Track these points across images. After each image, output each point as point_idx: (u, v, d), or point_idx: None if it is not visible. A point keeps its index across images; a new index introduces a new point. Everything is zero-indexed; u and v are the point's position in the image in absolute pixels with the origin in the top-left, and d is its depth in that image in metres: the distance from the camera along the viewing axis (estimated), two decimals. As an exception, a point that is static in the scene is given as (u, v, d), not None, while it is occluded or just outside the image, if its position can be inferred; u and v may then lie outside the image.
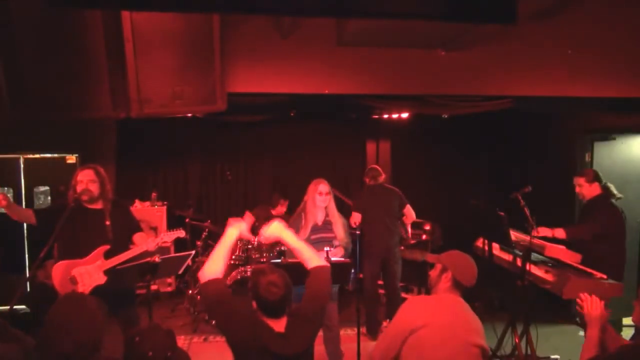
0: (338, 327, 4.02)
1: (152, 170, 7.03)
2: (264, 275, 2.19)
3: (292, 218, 4.10)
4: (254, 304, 2.23)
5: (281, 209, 5.95)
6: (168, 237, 3.85)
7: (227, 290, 2.33)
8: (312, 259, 2.52)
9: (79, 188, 3.59)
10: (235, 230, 2.49)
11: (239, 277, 5.00)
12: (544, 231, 4.25)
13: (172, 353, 1.94)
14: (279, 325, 2.21)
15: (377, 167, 5.64)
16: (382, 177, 5.43)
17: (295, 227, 3.89)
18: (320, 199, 3.88)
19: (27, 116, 3.41)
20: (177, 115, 4.14)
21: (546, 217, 4.41)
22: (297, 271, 2.63)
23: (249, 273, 5.26)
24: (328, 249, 3.60)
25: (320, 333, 4.04)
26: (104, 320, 2.09)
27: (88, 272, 3.54)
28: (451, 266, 2.48)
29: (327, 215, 3.97)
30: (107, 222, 3.67)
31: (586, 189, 4.35)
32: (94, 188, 3.63)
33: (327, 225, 3.95)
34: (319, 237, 3.88)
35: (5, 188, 5.44)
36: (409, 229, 5.87)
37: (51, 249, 3.61)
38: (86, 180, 3.60)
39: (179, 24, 3.34)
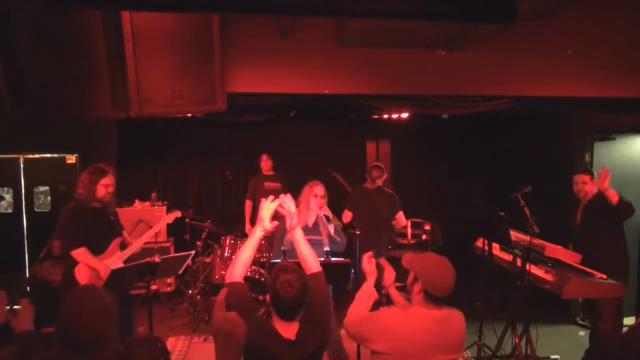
0: (337, 329, 3.92)
1: (152, 170, 7.02)
2: (285, 272, 2.22)
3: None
4: (268, 298, 2.27)
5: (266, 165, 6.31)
6: (169, 218, 4.35)
7: (247, 295, 2.37)
8: (312, 264, 2.52)
9: (103, 192, 3.76)
10: (260, 229, 2.49)
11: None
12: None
13: None
14: (289, 331, 2.23)
15: (381, 165, 5.53)
16: (383, 178, 5.34)
17: (284, 226, 3.89)
18: (314, 201, 3.86)
19: (27, 116, 3.41)
20: (177, 115, 4.15)
21: (546, 217, 4.41)
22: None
23: (249, 272, 5.26)
24: (327, 249, 3.60)
25: None
26: (116, 311, 2.11)
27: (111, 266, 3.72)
28: (422, 276, 2.29)
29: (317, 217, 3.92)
30: (111, 218, 3.93)
31: (589, 187, 4.30)
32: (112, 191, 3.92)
33: (316, 227, 3.92)
34: (307, 239, 3.85)
35: (5, 188, 5.45)
36: (409, 231, 5.90)
37: (51, 248, 3.61)
38: (112, 185, 3.83)
39: (178, 24, 3.34)
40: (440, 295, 2.28)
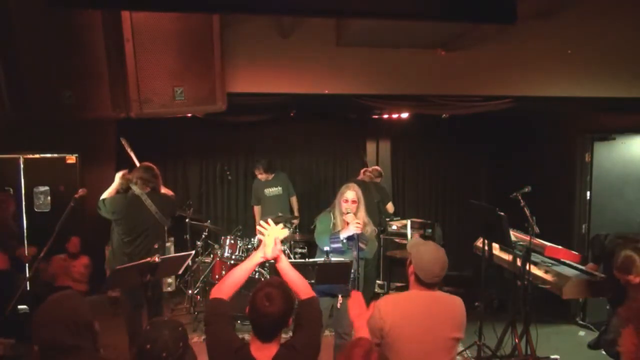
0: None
1: (152, 170, 7.02)
2: (269, 286, 2.11)
3: (321, 215, 4.03)
4: (247, 310, 2.12)
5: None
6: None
7: (227, 314, 2.24)
8: (304, 289, 2.37)
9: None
10: (261, 255, 2.37)
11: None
12: None
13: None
14: (265, 354, 2.08)
15: (381, 170, 6.31)
16: (376, 180, 6.06)
17: (326, 225, 3.87)
18: (345, 206, 3.76)
19: (27, 116, 3.41)
20: (177, 115, 4.14)
21: (546, 217, 4.41)
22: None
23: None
24: (327, 249, 3.59)
25: (331, 341, 3.98)
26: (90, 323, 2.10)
27: None
28: (414, 260, 2.45)
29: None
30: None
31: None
32: None
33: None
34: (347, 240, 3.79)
35: (5, 188, 5.45)
36: (409, 230, 5.92)
37: (51, 247, 3.62)
38: None
39: (179, 24, 3.34)
40: (425, 279, 2.41)
